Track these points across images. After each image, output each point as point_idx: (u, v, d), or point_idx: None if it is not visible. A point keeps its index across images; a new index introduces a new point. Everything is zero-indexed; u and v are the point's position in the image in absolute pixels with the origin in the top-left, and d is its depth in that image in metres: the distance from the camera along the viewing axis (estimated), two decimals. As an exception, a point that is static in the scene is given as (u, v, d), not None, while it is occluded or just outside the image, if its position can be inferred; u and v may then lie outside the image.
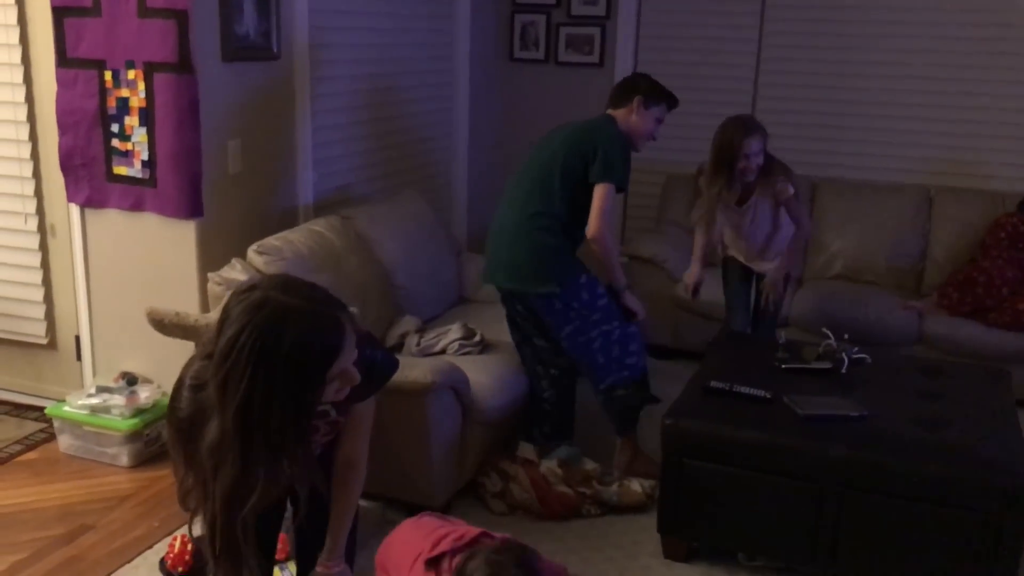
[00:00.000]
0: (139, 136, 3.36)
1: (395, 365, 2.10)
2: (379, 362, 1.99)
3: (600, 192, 3.27)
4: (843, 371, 3.24)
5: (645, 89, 3.48)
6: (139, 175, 3.41)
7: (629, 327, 3.43)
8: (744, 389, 3.02)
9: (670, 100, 3.52)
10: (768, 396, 2.99)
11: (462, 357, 3.45)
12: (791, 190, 3.75)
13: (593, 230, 3.28)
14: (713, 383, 3.07)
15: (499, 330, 3.69)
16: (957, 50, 4.76)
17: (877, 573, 2.75)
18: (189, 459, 1.71)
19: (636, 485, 3.29)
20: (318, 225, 3.62)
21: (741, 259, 4.07)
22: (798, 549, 2.81)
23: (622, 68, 5.17)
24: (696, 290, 4.06)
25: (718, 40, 5.11)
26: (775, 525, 2.80)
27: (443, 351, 3.49)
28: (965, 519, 2.60)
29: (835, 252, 4.82)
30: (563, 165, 3.34)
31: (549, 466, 3.31)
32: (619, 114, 3.48)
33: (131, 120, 3.37)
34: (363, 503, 3.17)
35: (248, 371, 1.57)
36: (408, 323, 3.68)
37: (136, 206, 3.46)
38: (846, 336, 3.42)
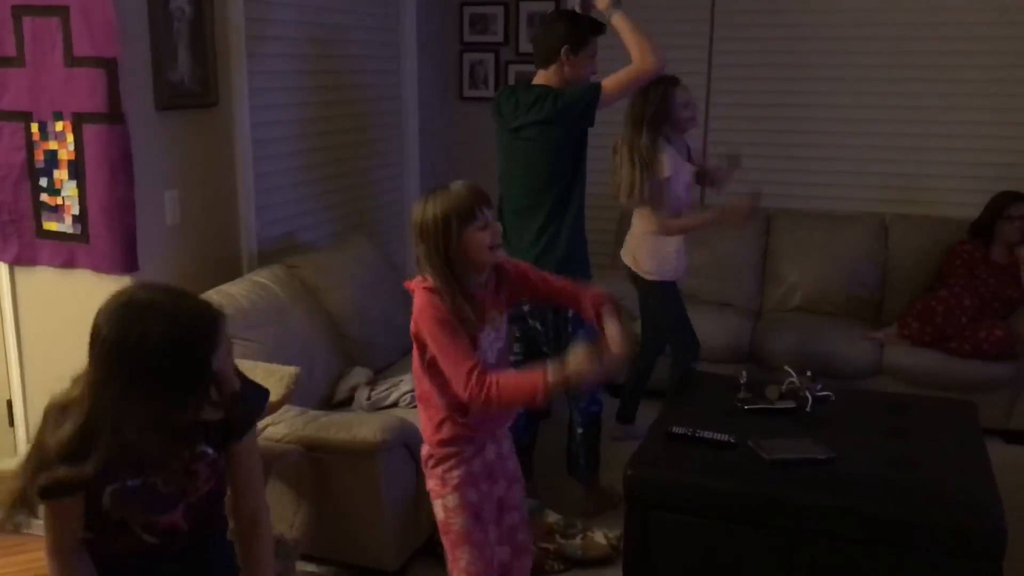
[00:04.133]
0: (69, 190, 3.21)
1: (266, 393, 2.02)
2: (250, 391, 1.91)
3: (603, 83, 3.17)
4: (807, 410, 3.16)
5: (566, 35, 3.18)
6: (70, 230, 3.25)
7: None
8: (707, 434, 2.92)
9: (596, 30, 3.22)
10: (732, 440, 2.89)
11: (415, 409, 3.31)
12: None
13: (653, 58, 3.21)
14: (675, 429, 2.97)
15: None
16: (906, 77, 4.77)
17: (852, 623, 2.66)
18: None
19: (600, 537, 3.17)
20: (261, 276, 3.48)
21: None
22: (770, 601, 2.70)
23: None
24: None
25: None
26: (745, 576, 2.70)
27: (395, 404, 3.37)
28: (939, 563, 2.52)
29: (793, 284, 4.78)
30: (550, 171, 3.25)
31: (509, 521, 3.18)
32: (549, 75, 3.24)
33: (60, 173, 3.21)
34: (313, 569, 3.03)
35: (116, 369, 1.58)
36: (358, 375, 3.54)
37: (68, 263, 3.30)
38: (808, 372, 3.35)
